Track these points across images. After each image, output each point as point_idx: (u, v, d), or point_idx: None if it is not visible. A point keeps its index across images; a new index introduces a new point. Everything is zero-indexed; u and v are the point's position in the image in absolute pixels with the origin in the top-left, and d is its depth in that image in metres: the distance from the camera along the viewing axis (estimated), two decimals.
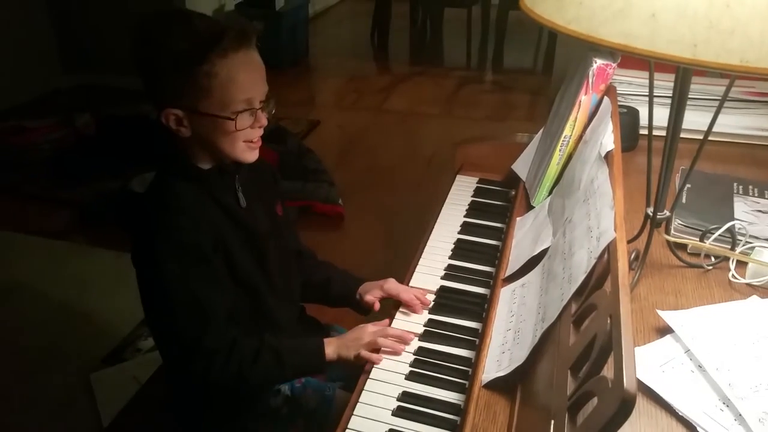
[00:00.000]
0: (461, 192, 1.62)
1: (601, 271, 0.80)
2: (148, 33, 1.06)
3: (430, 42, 5.34)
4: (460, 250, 1.38)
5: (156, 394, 1.36)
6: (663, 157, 0.97)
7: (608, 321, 0.68)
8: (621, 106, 1.45)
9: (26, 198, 3.04)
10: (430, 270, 1.32)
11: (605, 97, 1.23)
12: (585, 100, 1.25)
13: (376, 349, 1.11)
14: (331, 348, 1.13)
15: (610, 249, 0.80)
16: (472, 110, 4.04)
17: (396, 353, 1.11)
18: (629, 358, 0.60)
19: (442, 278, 1.30)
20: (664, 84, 1.09)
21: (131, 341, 2.16)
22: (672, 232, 1.06)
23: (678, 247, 1.07)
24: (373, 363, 1.09)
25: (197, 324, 1.06)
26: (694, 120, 1.23)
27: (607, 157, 1.03)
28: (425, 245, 1.40)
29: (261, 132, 1.12)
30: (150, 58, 1.06)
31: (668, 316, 0.93)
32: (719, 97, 1.42)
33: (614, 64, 1.24)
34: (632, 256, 0.96)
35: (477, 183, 1.65)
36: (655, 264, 1.07)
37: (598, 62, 1.22)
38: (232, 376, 1.08)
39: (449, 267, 1.33)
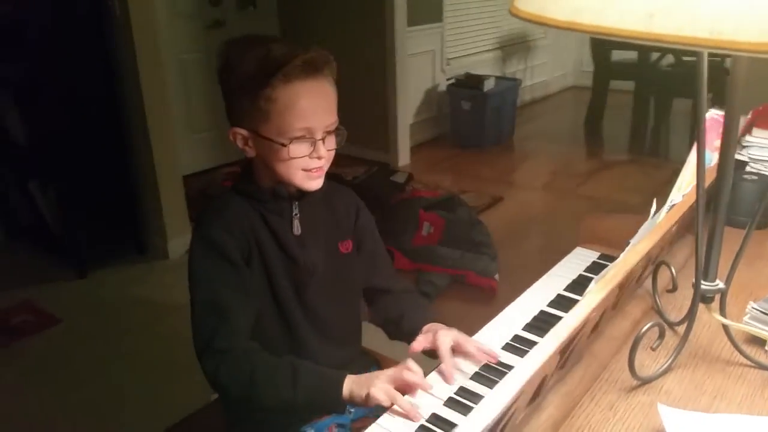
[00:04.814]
0: (573, 265, 1.43)
1: None
2: (227, 55, 1.10)
3: (651, 131, 4.97)
4: (538, 322, 1.20)
5: None
6: (695, 210, 0.73)
7: None
8: (751, 173, 1.15)
9: None
10: (489, 340, 1.14)
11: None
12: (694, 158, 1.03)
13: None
14: (346, 383, 1.01)
15: None
16: None
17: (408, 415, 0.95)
18: None
19: (503, 348, 1.12)
20: None
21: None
22: (745, 319, 0.78)
23: (752, 342, 0.78)
24: (381, 404, 0.95)
25: (212, 322, 1.04)
26: None
27: None
28: (499, 314, 1.23)
29: (321, 163, 1.09)
30: (225, 79, 1.10)
31: (667, 415, 0.66)
32: None
33: None
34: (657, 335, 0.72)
35: (597, 258, 1.44)
36: (707, 354, 0.79)
37: (711, 112, 1.00)
38: (242, 378, 1.02)
39: (515, 338, 1.15)
